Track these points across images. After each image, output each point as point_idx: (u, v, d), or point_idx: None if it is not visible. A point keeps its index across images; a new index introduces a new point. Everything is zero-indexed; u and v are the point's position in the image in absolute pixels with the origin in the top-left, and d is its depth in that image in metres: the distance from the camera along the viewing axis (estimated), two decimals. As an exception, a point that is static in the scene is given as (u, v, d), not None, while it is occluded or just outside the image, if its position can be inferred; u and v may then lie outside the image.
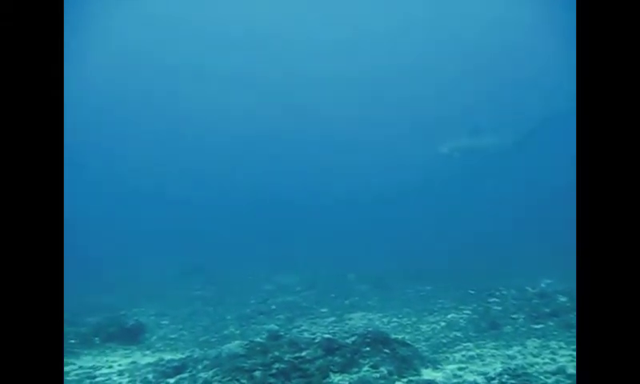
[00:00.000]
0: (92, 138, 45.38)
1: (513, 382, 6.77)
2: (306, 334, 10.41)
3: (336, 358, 7.58)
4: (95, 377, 8.34)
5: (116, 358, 9.51)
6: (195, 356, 9.10)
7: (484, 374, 7.27)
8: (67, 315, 12.99)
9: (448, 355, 8.60)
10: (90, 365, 9.06)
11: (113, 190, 45.06)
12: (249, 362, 7.42)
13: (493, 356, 8.37)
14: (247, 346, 8.07)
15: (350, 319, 12.10)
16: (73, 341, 10.73)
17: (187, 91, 46.39)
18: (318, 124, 48.20)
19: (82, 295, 16.61)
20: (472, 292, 13.78)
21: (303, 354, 7.78)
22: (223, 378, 7.06)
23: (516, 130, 24.49)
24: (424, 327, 11.00)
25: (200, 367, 8.22)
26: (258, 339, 8.77)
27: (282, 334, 9.78)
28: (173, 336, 11.46)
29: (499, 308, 11.79)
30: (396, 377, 7.03)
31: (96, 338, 10.84)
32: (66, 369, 8.82)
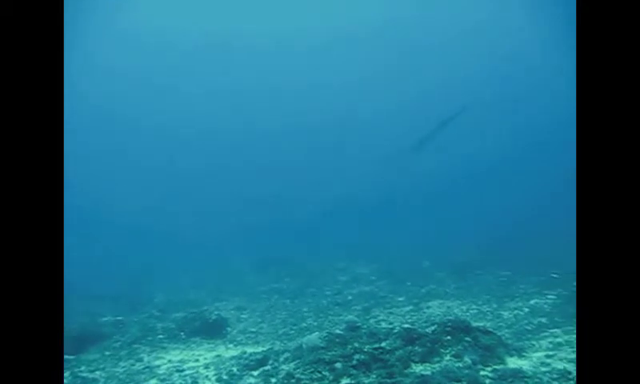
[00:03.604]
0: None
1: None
2: (383, 324, 10.36)
3: (416, 348, 7.49)
4: (184, 370, 8.74)
5: (201, 352, 9.93)
6: (276, 349, 9.32)
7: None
8: (155, 312, 13.81)
9: (534, 342, 8.25)
10: (178, 359, 9.51)
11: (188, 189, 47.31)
12: (329, 353, 7.49)
13: (583, 342, 7.94)
14: (326, 338, 8.14)
15: (427, 307, 11.90)
16: (161, 336, 11.33)
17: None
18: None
19: (168, 293, 17.48)
20: (555, 276, 13.16)
21: (383, 344, 7.76)
22: (305, 370, 7.15)
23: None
24: (506, 314, 10.62)
25: (281, 359, 8.41)
26: (337, 331, 8.82)
27: (359, 324, 9.78)
28: (253, 329, 11.76)
29: (587, 291, 11.16)
30: (480, 366, 6.83)
31: (182, 333, 11.36)
32: (156, 362, 9.33)
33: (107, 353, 10.36)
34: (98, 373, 8.97)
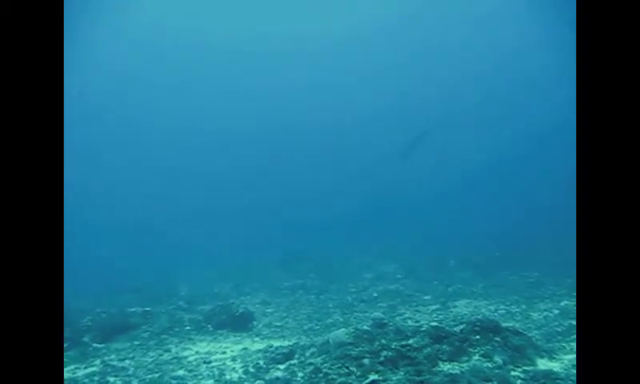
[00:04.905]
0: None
1: None
2: (410, 322, 10.30)
3: (444, 347, 7.42)
4: (211, 362, 8.83)
5: (228, 344, 10.02)
6: (302, 343, 9.34)
7: (608, 365, 6.77)
8: (182, 304, 13.98)
9: (564, 344, 8.10)
10: (206, 350, 9.62)
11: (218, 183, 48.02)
12: (356, 349, 7.47)
13: (616, 346, 7.76)
14: (353, 334, 8.12)
15: (454, 307, 11.79)
16: (188, 327, 11.48)
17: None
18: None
19: (195, 286, 17.70)
20: (586, 278, 12.87)
21: (410, 341, 7.70)
22: (332, 365, 7.16)
23: None
24: (535, 315, 10.45)
25: (308, 354, 8.43)
26: (364, 327, 8.79)
27: (386, 321, 9.73)
28: (278, 323, 11.81)
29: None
30: (511, 367, 6.74)
31: (209, 325, 11.49)
32: (184, 353, 9.45)
33: (136, 342, 10.54)
34: (127, 362, 9.12)
